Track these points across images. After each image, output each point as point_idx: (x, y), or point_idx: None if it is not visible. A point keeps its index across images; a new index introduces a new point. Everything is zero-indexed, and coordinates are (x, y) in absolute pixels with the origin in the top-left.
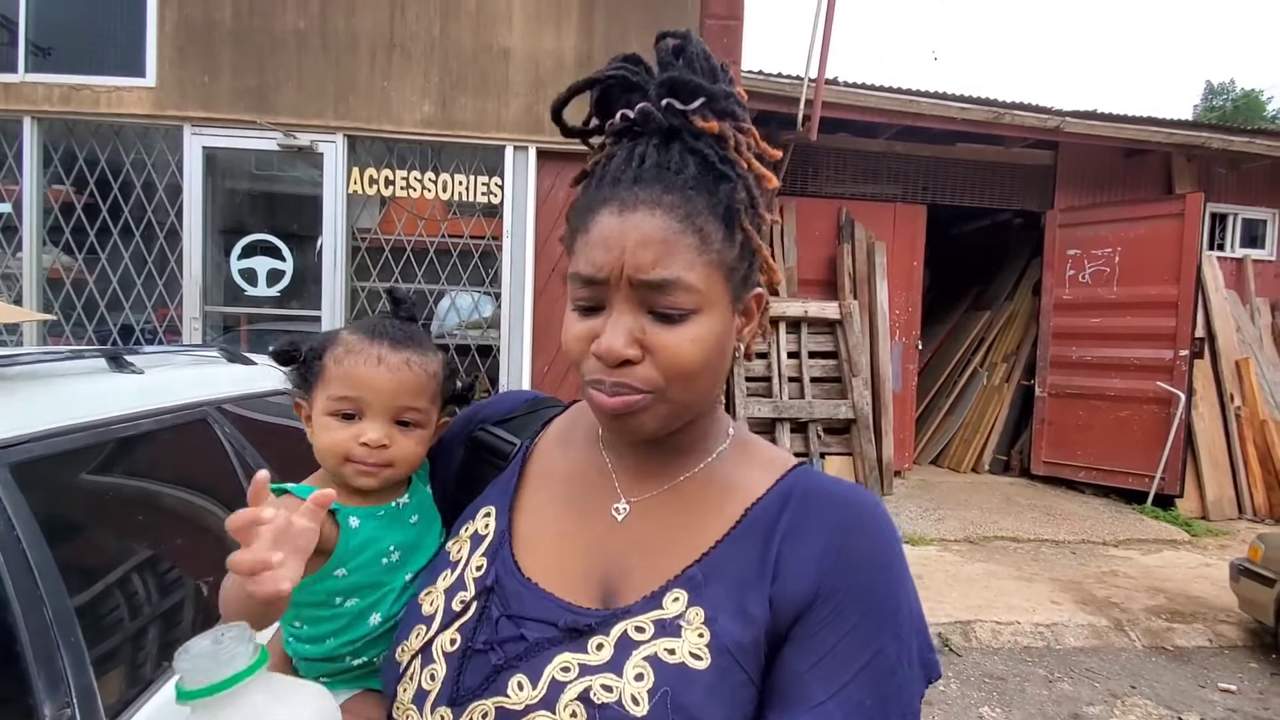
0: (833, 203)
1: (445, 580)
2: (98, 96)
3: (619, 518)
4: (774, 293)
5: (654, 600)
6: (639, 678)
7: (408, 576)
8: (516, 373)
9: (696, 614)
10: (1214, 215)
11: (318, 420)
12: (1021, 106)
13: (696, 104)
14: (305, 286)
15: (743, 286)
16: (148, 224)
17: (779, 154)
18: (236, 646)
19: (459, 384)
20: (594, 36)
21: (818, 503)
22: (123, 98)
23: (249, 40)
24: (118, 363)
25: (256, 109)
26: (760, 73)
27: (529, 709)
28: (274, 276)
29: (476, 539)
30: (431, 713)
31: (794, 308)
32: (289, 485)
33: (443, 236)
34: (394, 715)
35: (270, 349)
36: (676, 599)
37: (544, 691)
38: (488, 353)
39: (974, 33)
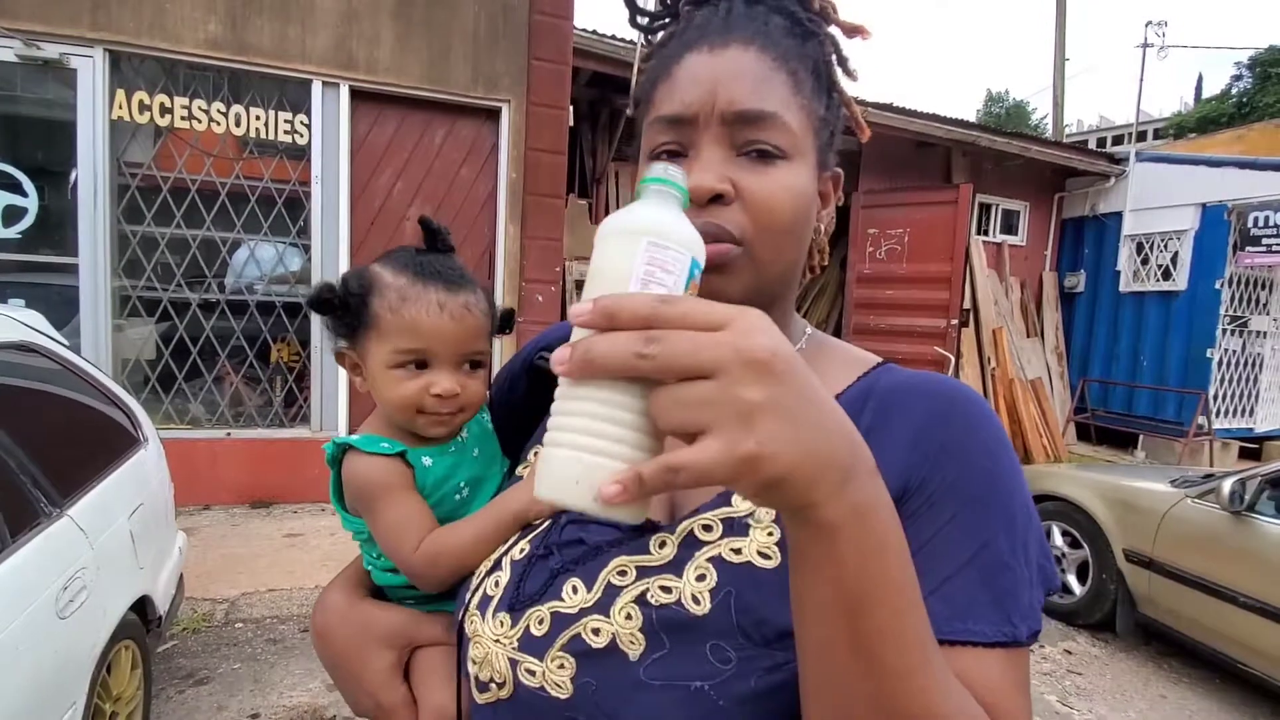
0: None
1: None
2: None
3: None
4: (862, 141)
5: (724, 497)
6: (700, 578)
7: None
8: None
9: (767, 512)
10: (981, 205)
11: (379, 374)
12: None
13: None
14: (58, 229)
15: (828, 150)
16: None
17: (864, 28)
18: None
19: (498, 313)
20: None
21: (902, 396)
22: None
23: None
24: None
25: None
26: (594, 32)
27: (583, 612)
28: (12, 215)
29: None
30: (492, 618)
31: None
32: (352, 439)
33: (237, 178)
34: (462, 622)
35: (305, 299)
36: None
37: (599, 595)
38: (296, 311)
39: None
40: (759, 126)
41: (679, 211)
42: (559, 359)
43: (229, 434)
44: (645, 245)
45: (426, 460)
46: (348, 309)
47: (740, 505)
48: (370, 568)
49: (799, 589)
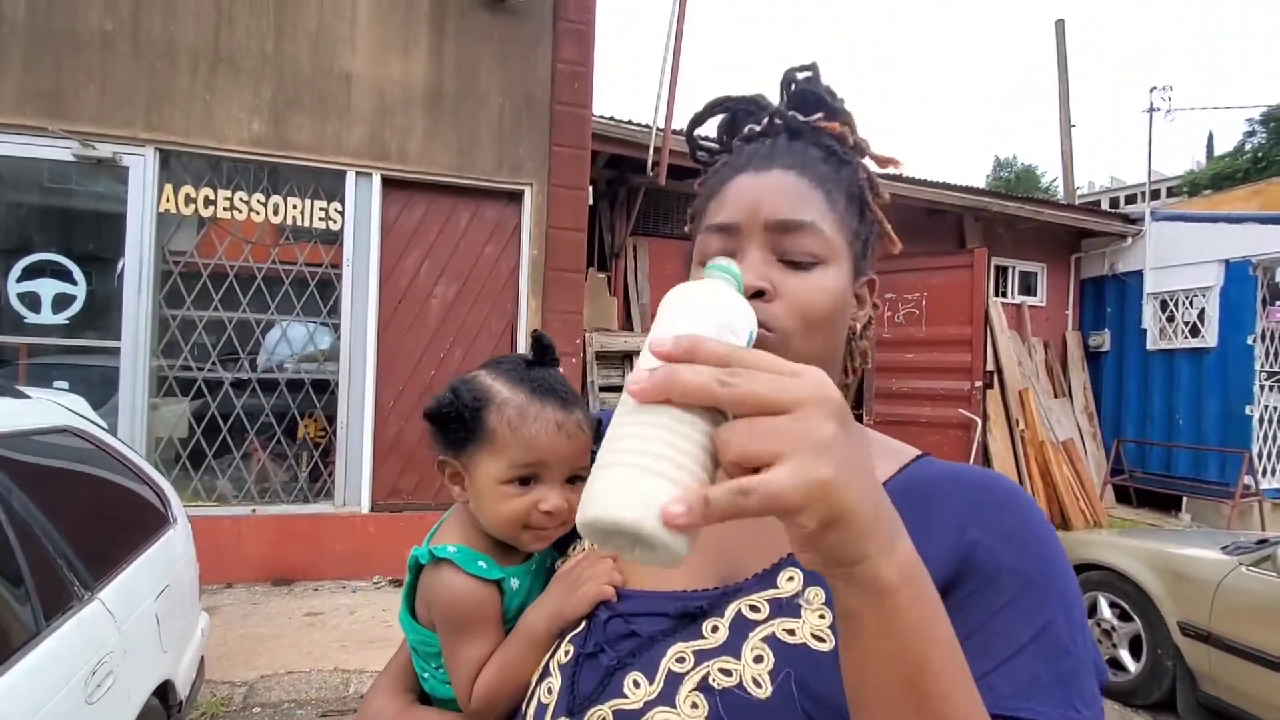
0: (683, 244)
1: None
2: None
3: None
4: (898, 254)
5: (767, 578)
6: (758, 659)
7: None
8: (358, 408)
9: (816, 594)
10: (998, 267)
11: (487, 488)
12: None
13: (817, 115)
14: (103, 315)
15: (863, 258)
16: None
17: (896, 159)
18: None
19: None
20: (444, 68)
21: (945, 485)
22: None
23: (43, 39)
24: None
25: (49, 114)
26: (612, 119)
27: (648, 705)
28: (62, 302)
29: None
30: None
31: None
32: (449, 552)
33: (273, 262)
34: None
35: (425, 410)
36: (791, 578)
37: (661, 686)
38: (324, 388)
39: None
40: (797, 234)
41: (738, 293)
42: (636, 380)
43: (254, 510)
44: (719, 307)
45: (514, 583)
46: (461, 421)
47: (785, 587)
48: (427, 677)
49: (857, 660)
